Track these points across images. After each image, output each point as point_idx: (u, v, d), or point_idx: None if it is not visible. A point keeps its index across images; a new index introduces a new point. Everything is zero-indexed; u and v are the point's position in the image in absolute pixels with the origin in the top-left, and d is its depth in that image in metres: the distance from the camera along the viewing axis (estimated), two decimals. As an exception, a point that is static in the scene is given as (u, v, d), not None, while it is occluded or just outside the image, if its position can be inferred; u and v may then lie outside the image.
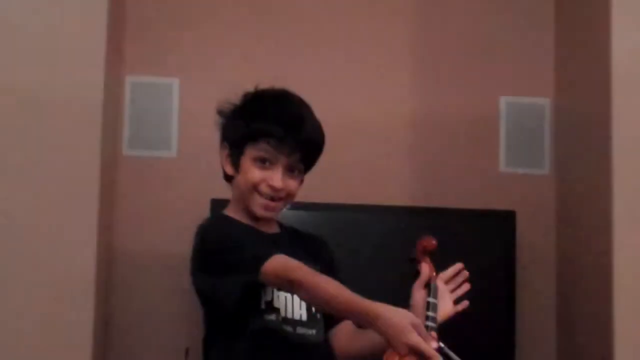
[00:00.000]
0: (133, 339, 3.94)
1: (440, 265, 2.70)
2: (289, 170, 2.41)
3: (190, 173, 4.03)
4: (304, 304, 2.38)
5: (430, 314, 2.37)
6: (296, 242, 2.54)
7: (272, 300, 2.37)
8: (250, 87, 3.61)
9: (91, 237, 3.47)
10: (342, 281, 2.31)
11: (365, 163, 4.14)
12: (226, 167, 2.49)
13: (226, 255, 2.32)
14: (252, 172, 2.40)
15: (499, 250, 3.88)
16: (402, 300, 2.43)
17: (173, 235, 3.88)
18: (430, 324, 2.33)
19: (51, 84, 3.46)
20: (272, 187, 2.39)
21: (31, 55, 3.46)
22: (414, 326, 2.00)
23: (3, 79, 3.42)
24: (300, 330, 2.38)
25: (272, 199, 2.42)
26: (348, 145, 4.02)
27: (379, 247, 3.81)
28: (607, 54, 3.63)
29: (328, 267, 2.46)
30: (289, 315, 2.38)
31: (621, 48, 3.62)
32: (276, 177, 2.39)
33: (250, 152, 2.41)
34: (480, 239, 3.75)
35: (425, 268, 2.51)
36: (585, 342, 3.92)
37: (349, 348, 2.54)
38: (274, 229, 2.53)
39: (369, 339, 2.38)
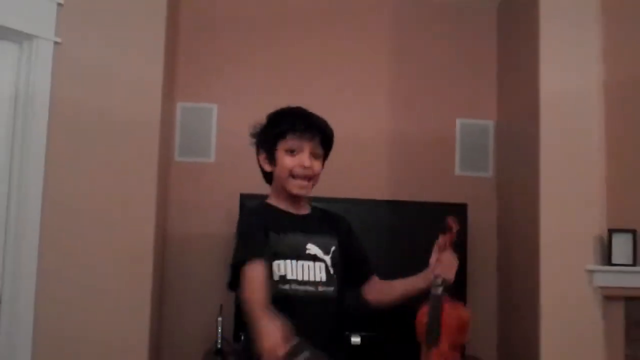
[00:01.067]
0: (181, 298, 4.08)
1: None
2: (313, 155, 2.47)
3: (224, 174, 4.18)
4: (323, 268, 2.43)
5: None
6: (324, 218, 2.55)
7: (285, 275, 2.39)
8: (269, 111, 3.89)
9: (150, 220, 3.64)
10: (359, 245, 2.59)
11: (353, 166, 4.20)
12: (265, 167, 2.54)
13: (235, 241, 2.40)
14: (286, 161, 2.46)
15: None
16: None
17: (211, 220, 4.12)
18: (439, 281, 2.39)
19: (125, 108, 3.60)
20: (303, 167, 2.44)
21: (108, 87, 3.58)
22: (271, 350, 2.03)
23: (92, 105, 3.55)
24: (321, 288, 2.40)
25: (304, 178, 2.46)
26: (340, 152, 3.99)
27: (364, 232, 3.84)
28: (536, 87, 3.78)
29: (346, 234, 2.56)
30: (312, 279, 2.41)
31: (547, 82, 3.76)
32: (305, 158, 2.45)
33: (282, 147, 2.48)
34: (440, 224, 3.80)
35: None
36: (519, 291, 4.03)
37: (382, 299, 2.57)
38: (305, 211, 2.55)
39: (399, 292, 2.53)
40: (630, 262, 3.54)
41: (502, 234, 4.26)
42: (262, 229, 2.41)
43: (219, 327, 3.77)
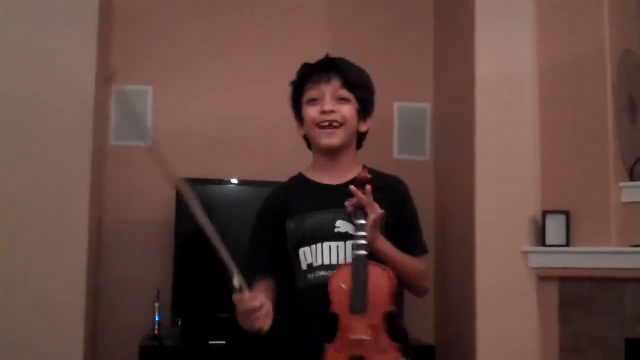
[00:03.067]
0: (118, 284, 4.02)
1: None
2: (337, 99, 2.26)
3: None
4: (348, 251, 2.17)
5: (359, 233, 2.12)
6: (371, 183, 2.19)
7: (312, 263, 2.21)
8: (203, 95, 3.80)
9: (84, 205, 3.61)
10: (408, 216, 2.28)
11: (288, 149, 4.06)
12: (299, 131, 2.36)
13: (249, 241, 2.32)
14: (308, 111, 2.28)
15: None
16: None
17: (148, 205, 4.07)
18: (361, 242, 2.12)
19: (55, 91, 3.56)
20: (324, 112, 2.24)
21: (37, 68, 3.54)
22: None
23: (23, 88, 3.52)
24: None
25: (330, 125, 2.24)
26: (276, 135, 4.12)
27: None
28: (472, 71, 3.83)
29: (398, 201, 2.29)
30: (341, 261, 2.18)
31: (483, 66, 3.80)
32: (325, 103, 2.24)
33: (305, 100, 2.30)
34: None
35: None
36: (456, 273, 4.07)
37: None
38: (346, 177, 2.25)
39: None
40: (564, 242, 3.61)
41: (439, 216, 4.31)
42: (266, 239, 2.27)
43: (157, 313, 3.73)
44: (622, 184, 3.58)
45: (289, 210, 2.27)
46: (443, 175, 4.31)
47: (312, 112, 2.27)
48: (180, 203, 3.74)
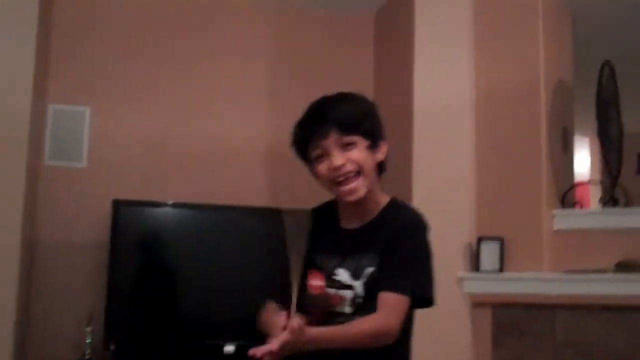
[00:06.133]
0: (49, 307, 3.92)
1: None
2: (343, 147, 2.07)
3: (96, 179, 4.04)
4: (349, 297, 2.07)
5: None
6: (382, 225, 2.10)
7: None
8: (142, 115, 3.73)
9: (17, 226, 3.55)
10: (394, 255, 2.05)
11: (229, 172, 4.24)
12: (319, 182, 2.16)
13: None
14: (320, 169, 2.09)
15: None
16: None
17: (82, 227, 3.98)
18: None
19: None
20: (334, 168, 2.06)
21: None
22: None
23: None
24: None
25: (346, 179, 2.07)
26: (216, 158, 4.16)
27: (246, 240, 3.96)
28: (410, 96, 3.86)
29: (394, 236, 2.07)
30: (337, 310, 2.10)
31: (420, 92, 3.85)
32: (333, 159, 2.06)
33: (311, 157, 2.11)
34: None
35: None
36: None
37: None
38: (358, 223, 2.14)
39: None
40: (497, 268, 3.65)
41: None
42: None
43: (88, 337, 3.66)
44: (554, 211, 3.66)
45: (313, 244, 2.22)
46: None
47: (323, 170, 2.08)
48: (116, 224, 3.72)
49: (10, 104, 3.55)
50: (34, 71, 3.64)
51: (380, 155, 2.15)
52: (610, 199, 3.70)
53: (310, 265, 2.18)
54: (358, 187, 2.07)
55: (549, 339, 3.54)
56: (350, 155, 2.06)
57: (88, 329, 3.68)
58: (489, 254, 3.67)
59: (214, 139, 4.18)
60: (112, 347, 3.64)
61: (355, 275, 2.08)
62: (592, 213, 3.95)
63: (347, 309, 2.07)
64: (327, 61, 4.46)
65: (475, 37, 3.93)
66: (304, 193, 3.92)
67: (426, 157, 3.82)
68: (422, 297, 2.11)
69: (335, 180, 2.07)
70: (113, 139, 4.07)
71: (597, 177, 6.72)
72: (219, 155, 4.17)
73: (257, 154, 4.29)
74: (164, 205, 3.96)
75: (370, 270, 2.07)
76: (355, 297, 2.07)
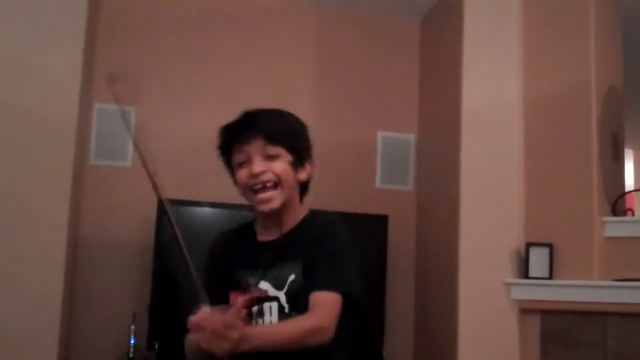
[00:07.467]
0: (93, 305, 3.93)
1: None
2: (267, 158, 2.06)
3: (141, 179, 3.94)
4: (275, 308, 2.04)
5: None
6: (303, 233, 2.08)
7: None
8: (188, 114, 3.71)
9: (63, 225, 3.56)
10: (320, 254, 2.03)
11: None
12: (238, 191, 2.14)
13: None
14: (240, 175, 2.08)
15: (377, 238, 4.03)
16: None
17: (125, 226, 4.00)
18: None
19: (41, 107, 3.54)
20: (254, 174, 2.05)
21: (21, 84, 3.54)
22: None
23: (6, 102, 3.49)
24: None
25: (263, 188, 2.06)
26: None
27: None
28: (457, 102, 3.85)
29: (315, 240, 2.05)
30: (266, 322, 2.05)
31: (469, 97, 3.83)
32: (253, 166, 2.05)
33: (234, 163, 2.11)
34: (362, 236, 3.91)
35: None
36: (437, 303, 4.05)
37: None
38: (277, 234, 2.11)
39: None
40: (547, 275, 3.60)
41: (421, 246, 4.30)
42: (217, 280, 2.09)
43: (132, 335, 3.64)
44: (605, 218, 3.60)
45: (229, 261, 2.14)
46: (426, 205, 4.30)
47: (242, 176, 2.08)
48: (160, 225, 3.73)
49: (58, 103, 3.57)
50: (81, 69, 3.63)
51: (304, 174, 2.14)
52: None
53: (230, 285, 2.09)
54: (274, 198, 2.06)
55: (599, 348, 3.48)
56: (271, 166, 2.06)
57: (132, 327, 3.66)
58: (538, 260, 3.62)
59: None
60: (155, 347, 3.62)
61: (278, 286, 2.05)
62: (644, 221, 3.89)
63: (275, 319, 2.03)
64: (372, 64, 4.47)
65: (525, 41, 3.89)
66: (333, 194, 4.05)
67: (474, 163, 3.79)
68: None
69: (253, 187, 2.06)
70: (158, 138, 4.02)
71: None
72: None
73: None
74: (210, 205, 3.94)
75: (292, 278, 2.04)
76: (280, 305, 2.04)
